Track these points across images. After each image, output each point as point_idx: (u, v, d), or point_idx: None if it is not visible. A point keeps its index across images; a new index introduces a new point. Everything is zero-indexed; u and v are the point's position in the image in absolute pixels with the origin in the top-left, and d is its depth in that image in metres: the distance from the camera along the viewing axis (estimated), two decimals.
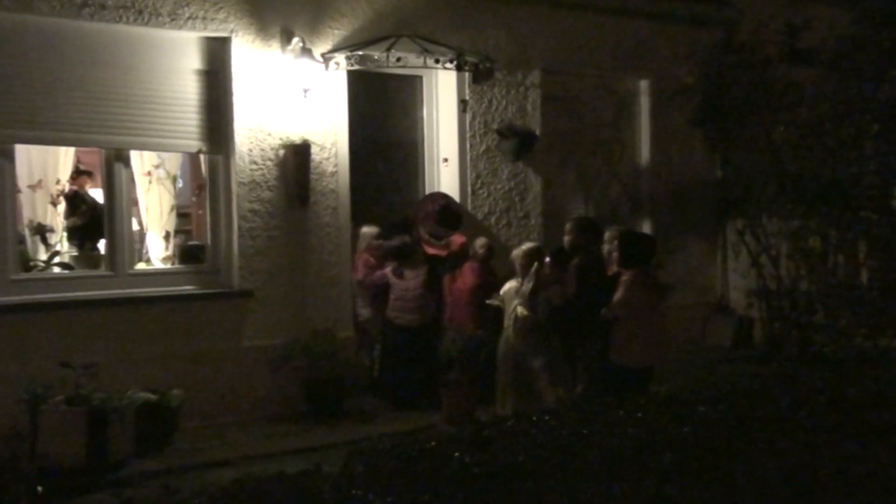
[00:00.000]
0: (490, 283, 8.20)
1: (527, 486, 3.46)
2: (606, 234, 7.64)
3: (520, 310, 7.41)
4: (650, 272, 7.00)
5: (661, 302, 7.11)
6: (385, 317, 8.39)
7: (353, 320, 8.55)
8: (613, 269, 7.21)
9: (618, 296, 6.69)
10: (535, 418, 3.93)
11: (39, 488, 5.26)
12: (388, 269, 8.37)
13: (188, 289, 7.90)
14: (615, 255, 7.07)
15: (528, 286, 7.42)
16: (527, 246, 7.78)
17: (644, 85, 10.71)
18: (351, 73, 8.44)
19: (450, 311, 8.38)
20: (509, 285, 7.64)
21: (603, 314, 6.75)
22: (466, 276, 8.36)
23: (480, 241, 8.53)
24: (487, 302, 7.87)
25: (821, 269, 9.12)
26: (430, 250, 8.59)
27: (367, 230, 8.58)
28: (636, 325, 6.66)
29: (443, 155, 9.42)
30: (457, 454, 3.47)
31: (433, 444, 3.60)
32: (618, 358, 6.69)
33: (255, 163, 8.03)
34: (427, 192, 9.36)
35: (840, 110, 8.80)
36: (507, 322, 7.53)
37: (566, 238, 7.84)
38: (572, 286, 7.48)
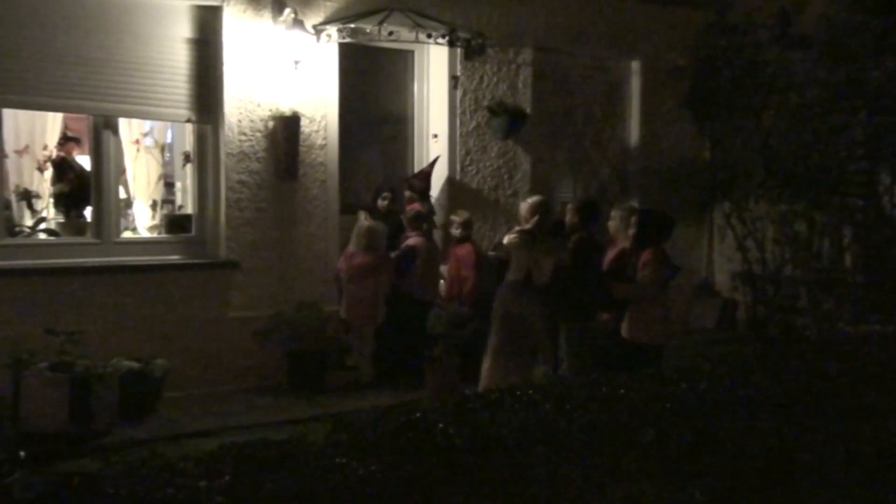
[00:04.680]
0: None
1: (509, 459, 3.49)
2: (613, 212, 7.61)
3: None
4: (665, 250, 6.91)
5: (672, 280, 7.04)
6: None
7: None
8: (623, 245, 7.16)
9: (647, 275, 6.54)
10: (518, 392, 3.96)
11: (22, 453, 5.24)
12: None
13: (174, 258, 7.89)
14: (631, 231, 6.88)
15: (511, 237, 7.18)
16: (532, 199, 7.58)
17: (635, 66, 10.70)
18: (342, 46, 8.40)
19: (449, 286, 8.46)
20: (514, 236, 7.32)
21: (634, 293, 6.61)
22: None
23: (459, 219, 8.56)
24: (490, 253, 7.82)
25: (805, 253, 9.17)
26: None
27: (366, 221, 8.05)
28: (657, 304, 6.68)
29: (432, 131, 9.40)
30: (440, 426, 3.50)
31: (417, 415, 3.63)
32: (639, 336, 6.60)
33: (244, 134, 7.99)
34: (416, 167, 9.35)
35: (830, 96, 8.81)
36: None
37: (567, 218, 7.78)
38: (568, 264, 7.43)
